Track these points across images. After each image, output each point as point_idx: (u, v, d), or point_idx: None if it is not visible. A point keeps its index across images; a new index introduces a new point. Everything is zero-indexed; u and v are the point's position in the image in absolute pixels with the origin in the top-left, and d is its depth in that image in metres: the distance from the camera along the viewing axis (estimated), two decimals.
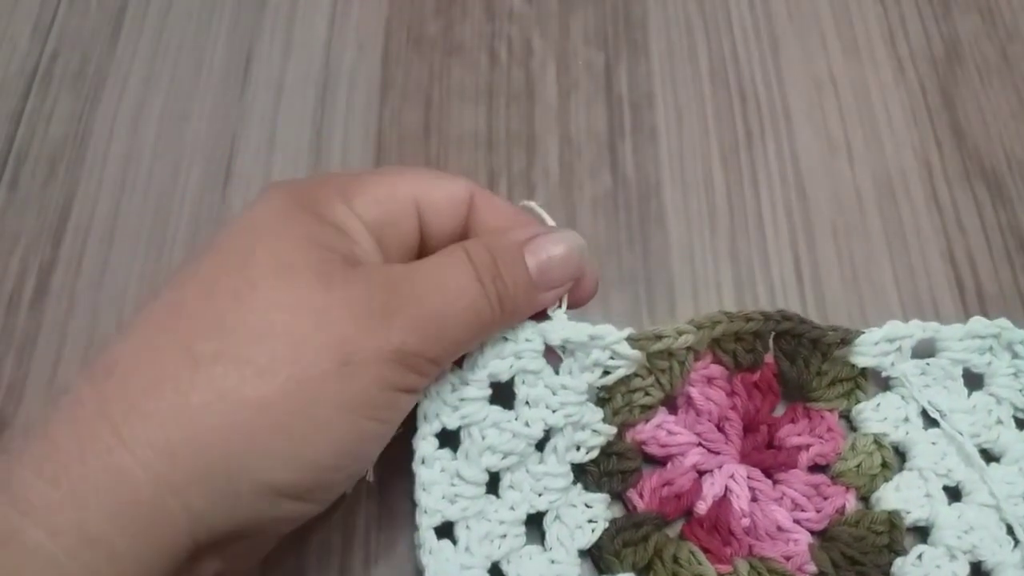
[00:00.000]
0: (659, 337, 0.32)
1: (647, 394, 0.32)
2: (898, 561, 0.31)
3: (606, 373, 0.31)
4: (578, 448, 0.31)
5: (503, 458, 0.29)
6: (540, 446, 0.31)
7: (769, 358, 0.34)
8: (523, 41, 0.45)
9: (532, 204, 0.32)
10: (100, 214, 0.41)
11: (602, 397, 0.32)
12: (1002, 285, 0.38)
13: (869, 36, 0.44)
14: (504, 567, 0.30)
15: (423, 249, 0.30)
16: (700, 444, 0.33)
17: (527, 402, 0.30)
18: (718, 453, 0.33)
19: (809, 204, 0.40)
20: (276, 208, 0.27)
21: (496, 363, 0.29)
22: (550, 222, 0.31)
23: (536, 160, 0.42)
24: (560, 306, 0.30)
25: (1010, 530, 0.31)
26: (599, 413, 0.32)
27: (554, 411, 0.30)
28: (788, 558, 0.31)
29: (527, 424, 0.30)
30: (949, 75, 0.43)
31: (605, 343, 0.30)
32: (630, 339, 0.31)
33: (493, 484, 0.30)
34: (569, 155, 0.42)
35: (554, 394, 0.30)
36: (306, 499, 0.25)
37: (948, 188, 0.40)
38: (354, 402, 0.24)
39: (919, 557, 0.31)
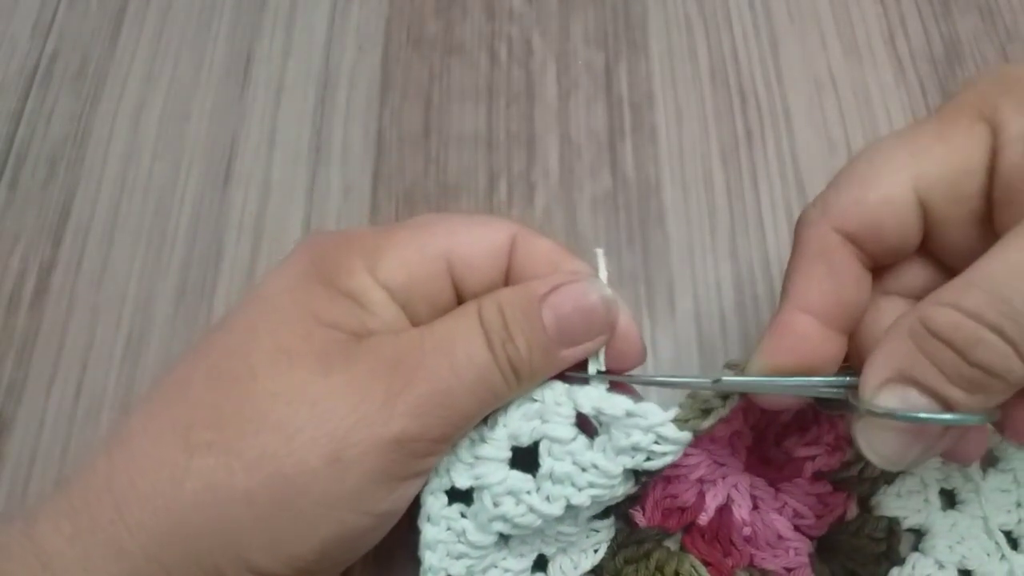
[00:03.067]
0: (707, 411, 0.27)
1: None
2: (895, 571, 0.31)
3: (648, 458, 0.27)
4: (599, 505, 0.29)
5: (513, 527, 0.27)
6: None
7: None
8: (523, 41, 0.45)
9: (598, 252, 0.28)
10: (100, 214, 0.41)
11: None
12: None
13: (869, 36, 0.44)
14: None
15: (461, 304, 0.28)
16: (707, 457, 0.33)
17: (551, 476, 0.26)
18: (723, 464, 0.33)
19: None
20: (290, 282, 0.26)
21: (519, 424, 0.27)
22: (602, 273, 0.28)
23: (536, 160, 0.42)
24: (598, 358, 0.27)
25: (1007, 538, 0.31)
26: (631, 482, 0.28)
27: (580, 490, 0.27)
28: (789, 570, 0.31)
29: (548, 499, 0.26)
30: (949, 75, 0.43)
31: (647, 425, 0.26)
32: (676, 420, 0.27)
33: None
34: (569, 155, 0.42)
35: (583, 471, 0.26)
36: None
37: None
38: (342, 500, 0.24)
39: (913, 567, 0.31)
